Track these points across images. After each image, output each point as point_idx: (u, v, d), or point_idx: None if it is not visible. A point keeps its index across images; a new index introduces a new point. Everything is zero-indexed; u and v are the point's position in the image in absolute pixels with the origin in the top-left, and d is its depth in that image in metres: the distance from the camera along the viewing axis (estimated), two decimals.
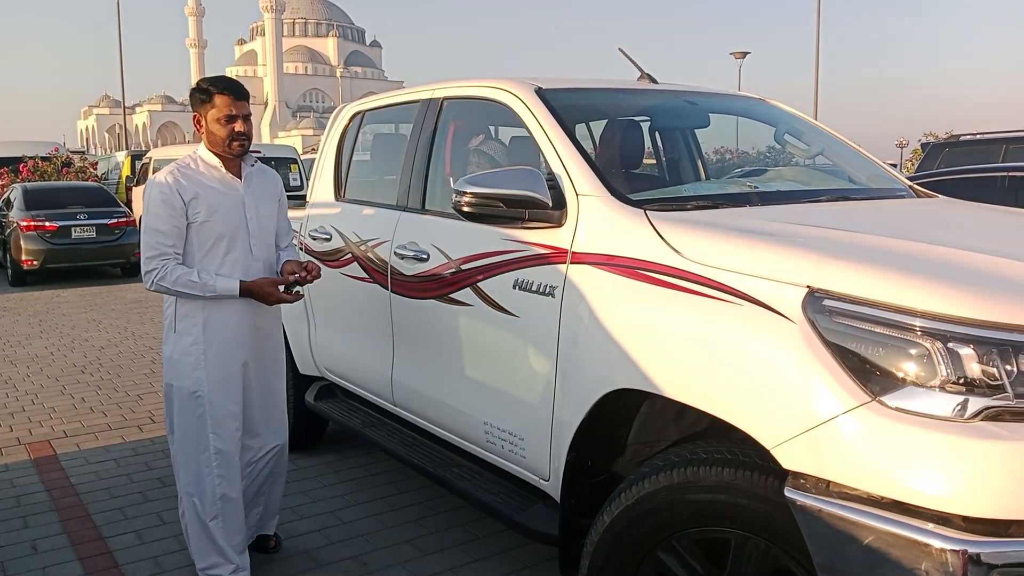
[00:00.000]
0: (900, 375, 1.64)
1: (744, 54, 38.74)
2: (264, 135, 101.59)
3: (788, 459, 1.72)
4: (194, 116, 2.83)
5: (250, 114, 2.87)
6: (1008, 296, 1.67)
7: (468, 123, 3.35)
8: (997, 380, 1.59)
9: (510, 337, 2.60)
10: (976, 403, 1.58)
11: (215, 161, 2.81)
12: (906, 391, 1.62)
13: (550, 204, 2.45)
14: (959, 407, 1.59)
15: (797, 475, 1.71)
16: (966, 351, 1.61)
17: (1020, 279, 1.76)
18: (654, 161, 3.61)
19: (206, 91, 2.77)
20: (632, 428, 2.43)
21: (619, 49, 3.64)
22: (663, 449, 2.29)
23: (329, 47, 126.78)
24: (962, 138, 9.37)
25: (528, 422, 2.55)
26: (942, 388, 1.61)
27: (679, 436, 2.37)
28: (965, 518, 1.54)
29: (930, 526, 1.55)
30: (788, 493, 1.70)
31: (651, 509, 2.01)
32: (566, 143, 2.61)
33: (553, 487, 2.47)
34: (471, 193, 2.50)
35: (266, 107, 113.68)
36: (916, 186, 3.29)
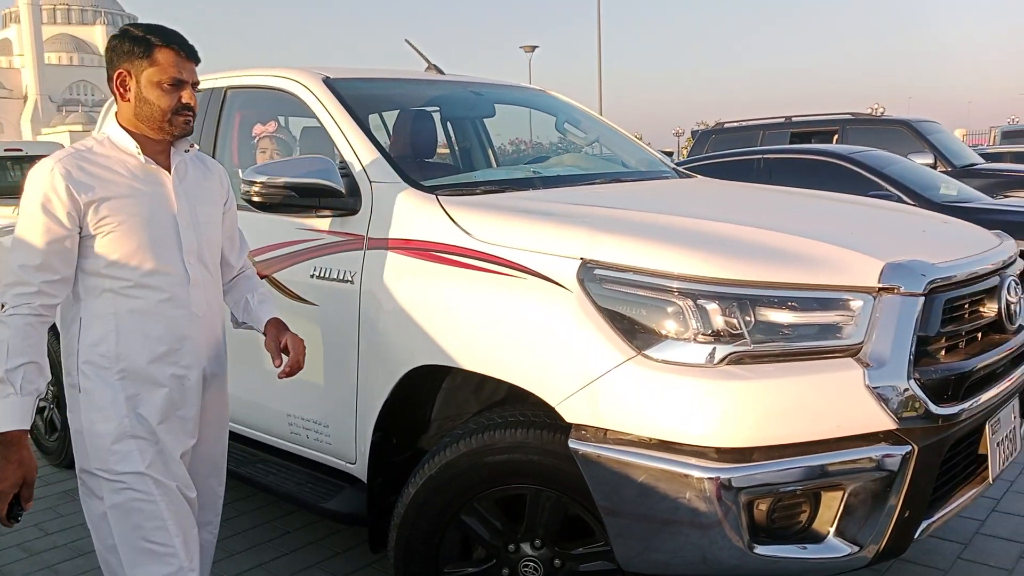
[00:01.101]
0: (661, 331, 1.87)
1: (533, 48, 40.17)
2: (25, 132, 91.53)
3: (570, 414, 1.90)
4: (117, 75, 1.96)
5: (198, 83, 2.07)
6: (744, 257, 1.94)
7: (255, 113, 3.29)
8: (738, 329, 1.85)
9: (311, 326, 2.61)
10: (722, 350, 1.84)
11: (131, 144, 1.97)
12: (665, 344, 1.85)
13: (344, 192, 2.49)
14: (709, 355, 1.84)
15: (579, 427, 1.90)
16: (712, 306, 1.86)
17: (755, 243, 2.04)
18: (448, 150, 3.73)
19: (143, 41, 1.94)
20: (435, 404, 2.54)
21: (406, 40, 3.72)
22: (465, 421, 2.42)
23: (97, 35, 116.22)
24: (726, 125, 10.36)
25: (332, 408, 2.58)
26: (694, 339, 1.85)
27: (480, 407, 2.51)
28: (717, 449, 1.79)
29: (689, 460, 1.79)
30: (571, 444, 1.89)
31: (453, 475, 2.13)
32: (357, 132, 2.65)
33: (360, 469, 2.52)
34: (261, 183, 2.48)
35: (26, 101, 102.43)
36: (680, 168, 3.66)
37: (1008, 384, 2.18)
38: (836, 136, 9.47)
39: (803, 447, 1.80)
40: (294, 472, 2.86)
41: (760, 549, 1.80)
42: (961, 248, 2.19)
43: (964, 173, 8.54)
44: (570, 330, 1.93)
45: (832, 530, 1.83)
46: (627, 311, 1.90)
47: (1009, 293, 2.19)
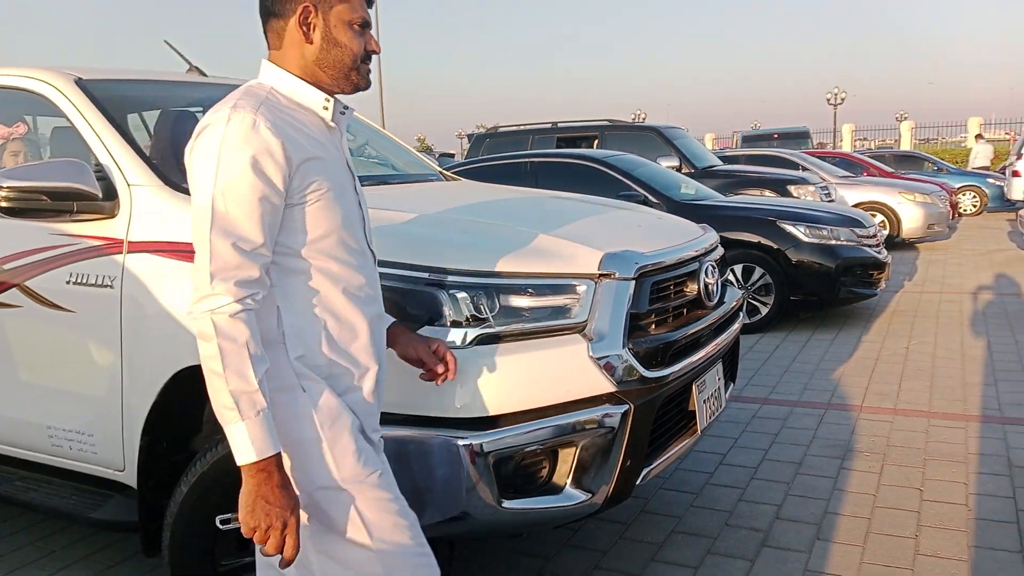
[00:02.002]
0: (426, 317, 2.08)
1: None
2: None
3: None
4: (302, 9, 1.57)
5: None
6: (487, 251, 2.20)
7: (1, 115, 3.11)
8: (484, 314, 2.10)
9: (69, 334, 2.55)
10: (472, 333, 2.08)
11: (319, 98, 1.62)
12: (424, 332, 2.06)
13: (100, 195, 2.45)
14: (461, 338, 2.07)
15: None
16: (462, 295, 2.09)
17: (499, 238, 2.32)
18: None
19: None
20: (207, 405, 2.57)
21: (165, 42, 3.66)
22: None
23: None
24: (500, 129, 10.90)
25: (96, 417, 2.54)
26: (452, 324, 2.08)
27: None
28: (471, 419, 2.03)
29: (451, 431, 2.01)
30: None
31: (225, 470, 2.20)
32: (113, 134, 2.61)
33: (129, 475, 2.50)
34: (8, 187, 2.40)
35: None
36: (444, 172, 3.91)
37: (711, 350, 2.63)
38: (596, 141, 10.29)
39: (541, 412, 2.09)
40: (58, 486, 2.75)
41: (508, 503, 2.06)
42: (669, 239, 2.62)
43: (704, 174, 9.63)
44: None
45: (568, 481, 2.14)
46: (401, 300, 2.09)
47: (707, 276, 2.65)
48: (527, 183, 7.17)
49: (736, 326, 2.92)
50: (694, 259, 2.61)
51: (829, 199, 9.90)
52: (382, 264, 1.97)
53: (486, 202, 3.26)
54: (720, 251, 2.92)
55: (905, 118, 33.48)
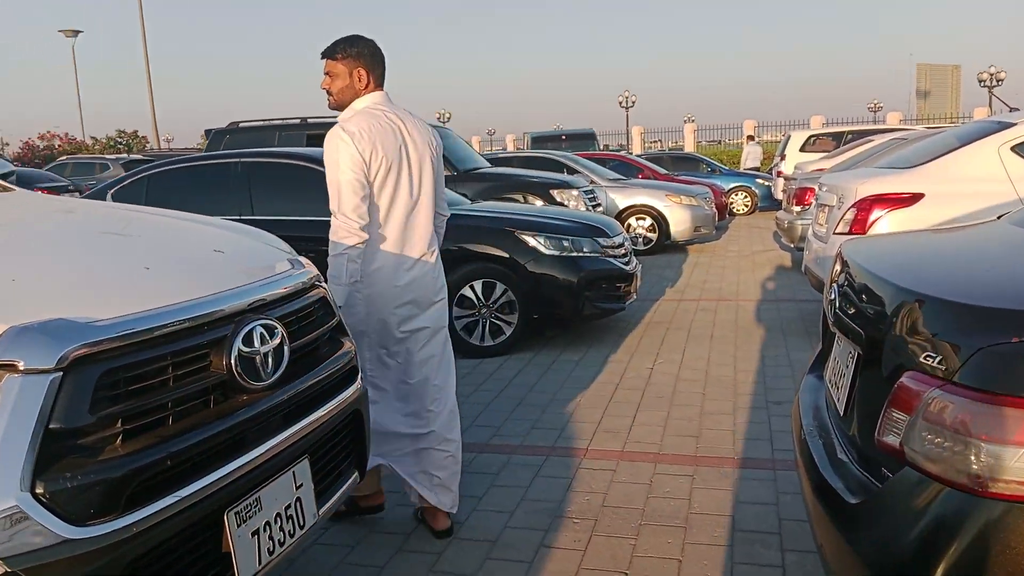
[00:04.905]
0: None
1: (76, 32, 36.06)
2: None
3: None
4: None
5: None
6: None
7: None
8: None
9: None
10: None
11: None
12: None
13: None
14: None
15: None
16: None
17: None
18: None
19: None
20: None
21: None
22: None
23: None
24: (242, 125, 9.61)
25: None
26: None
27: None
28: None
29: None
30: None
31: None
32: None
33: None
34: None
35: None
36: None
37: (270, 453, 1.73)
38: None
39: None
40: None
41: None
42: (185, 289, 1.67)
43: (466, 177, 8.93)
44: None
45: None
46: None
47: (251, 343, 1.72)
48: (237, 187, 6.07)
49: (340, 400, 2.03)
50: (224, 320, 1.68)
51: (595, 203, 9.53)
52: None
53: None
54: (313, 298, 2.03)
55: (692, 120, 35.24)
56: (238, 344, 1.67)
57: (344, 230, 2.62)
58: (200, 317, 1.60)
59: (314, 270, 2.07)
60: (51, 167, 20.81)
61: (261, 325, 1.73)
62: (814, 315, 6.76)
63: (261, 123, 9.61)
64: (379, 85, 2.92)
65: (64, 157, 25.22)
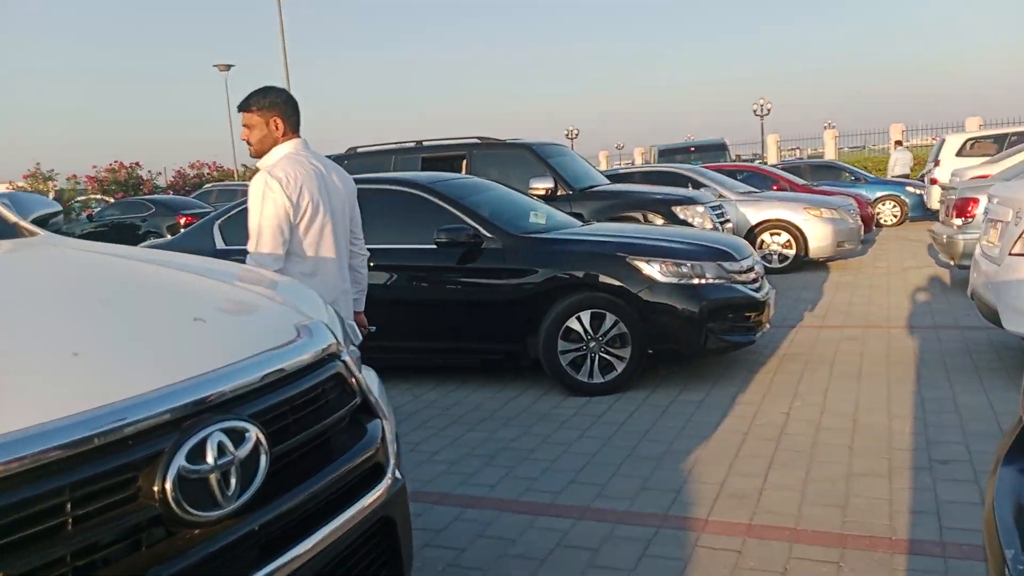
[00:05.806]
0: None
1: (228, 66, 38.32)
2: None
3: None
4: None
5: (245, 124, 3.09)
6: None
7: None
8: None
9: None
10: None
11: None
12: None
13: None
14: None
15: None
16: None
17: None
18: None
19: None
20: None
21: None
22: None
23: None
24: (359, 150, 9.57)
25: None
26: None
27: None
28: None
29: None
30: None
31: None
32: None
33: None
34: None
35: None
36: (28, 226, 2.55)
37: None
38: (465, 161, 9.05)
39: None
40: None
41: None
42: (110, 387, 1.25)
43: (582, 196, 8.47)
44: None
45: None
46: None
47: (201, 457, 1.29)
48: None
49: (357, 511, 1.59)
50: (160, 428, 1.26)
51: (723, 219, 8.80)
52: None
53: None
54: (321, 377, 1.60)
55: (832, 126, 33.22)
56: (179, 461, 1.26)
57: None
58: (115, 430, 1.19)
59: (330, 338, 1.65)
60: (197, 194, 22.00)
61: (223, 429, 1.32)
62: (984, 347, 5.80)
63: (378, 148, 9.54)
64: (295, 131, 3.11)
65: (209, 185, 26.69)
